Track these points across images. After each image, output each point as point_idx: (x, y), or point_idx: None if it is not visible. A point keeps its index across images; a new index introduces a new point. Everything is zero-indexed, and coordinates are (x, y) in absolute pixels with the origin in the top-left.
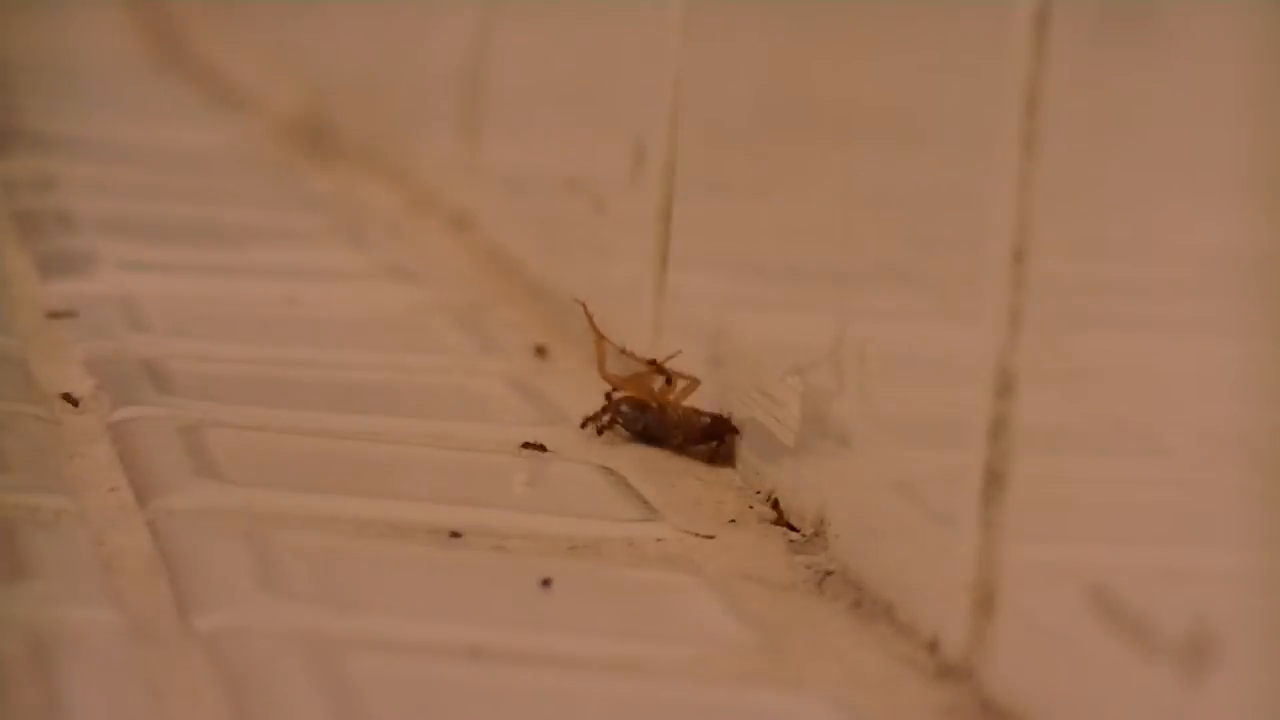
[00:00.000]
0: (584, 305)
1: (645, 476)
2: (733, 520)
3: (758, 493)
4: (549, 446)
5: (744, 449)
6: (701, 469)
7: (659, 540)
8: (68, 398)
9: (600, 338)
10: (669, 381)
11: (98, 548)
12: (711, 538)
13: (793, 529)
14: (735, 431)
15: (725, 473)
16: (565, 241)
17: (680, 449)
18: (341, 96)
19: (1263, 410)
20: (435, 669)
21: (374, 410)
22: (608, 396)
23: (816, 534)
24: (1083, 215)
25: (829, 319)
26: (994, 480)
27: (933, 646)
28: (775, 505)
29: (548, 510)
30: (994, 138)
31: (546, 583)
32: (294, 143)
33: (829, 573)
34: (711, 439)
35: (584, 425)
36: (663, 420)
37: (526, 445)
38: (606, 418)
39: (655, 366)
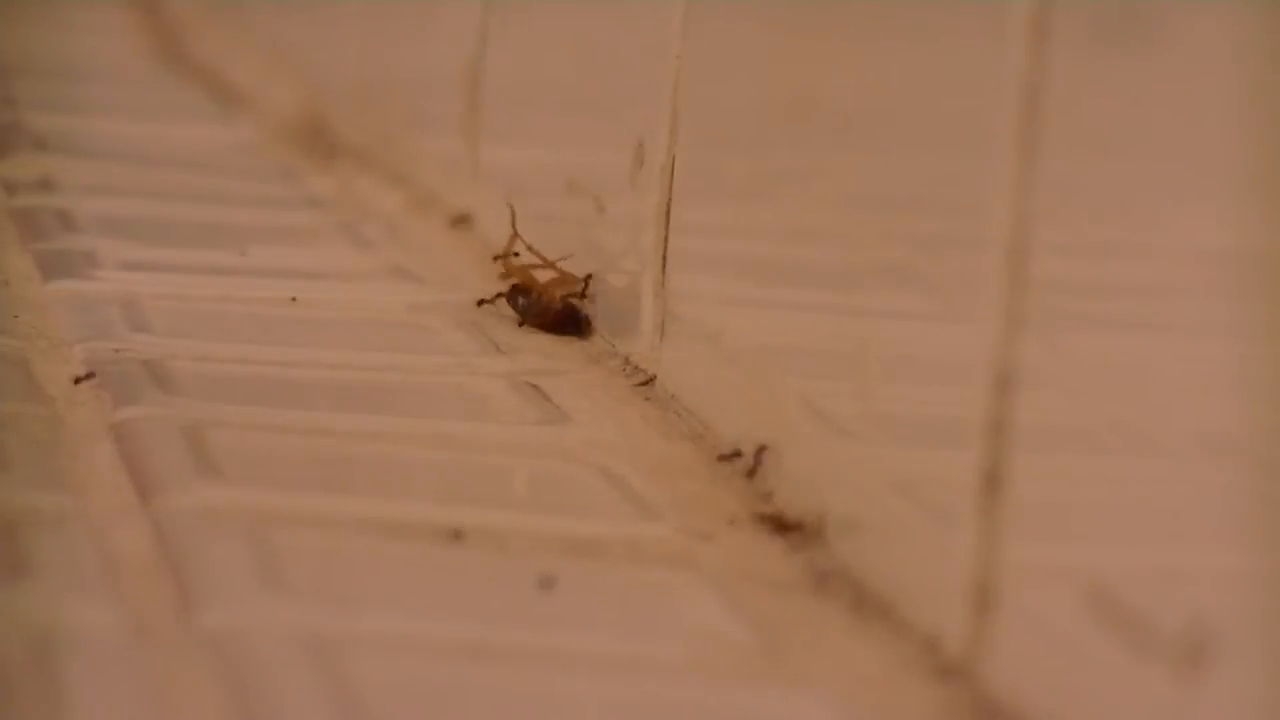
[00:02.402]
0: (512, 207)
1: (645, 476)
2: (733, 520)
3: (758, 492)
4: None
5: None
6: (700, 465)
7: (659, 540)
8: (79, 380)
9: (515, 235)
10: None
11: (99, 547)
12: (711, 537)
13: (793, 529)
14: (587, 325)
15: (724, 471)
16: (565, 241)
17: (551, 329)
18: (341, 97)
19: (1261, 410)
20: (435, 669)
21: (374, 410)
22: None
23: (816, 534)
24: (1083, 215)
25: (829, 319)
26: (993, 480)
27: (933, 646)
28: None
29: (548, 510)
30: (994, 138)
31: (547, 583)
32: (294, 143)
33: (829, 573)
34: (569, 324)
35: (479, 304)
36: (538, 306)
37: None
38: (498, 299)
39: (549, 263)
